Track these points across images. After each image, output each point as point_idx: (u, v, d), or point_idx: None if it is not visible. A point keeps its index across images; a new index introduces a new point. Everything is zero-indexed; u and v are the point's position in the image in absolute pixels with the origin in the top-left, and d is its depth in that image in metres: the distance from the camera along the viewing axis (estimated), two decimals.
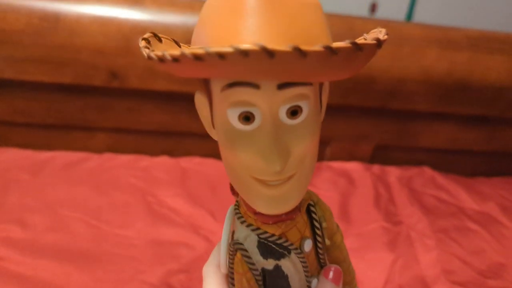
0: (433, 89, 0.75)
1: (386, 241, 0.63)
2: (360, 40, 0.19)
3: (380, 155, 0.85)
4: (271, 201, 0.23)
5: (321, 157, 0.83)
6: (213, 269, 0.28)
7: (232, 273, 0.27)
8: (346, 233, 0.65)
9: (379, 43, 0.19)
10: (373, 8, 0.82)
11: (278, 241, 0.25)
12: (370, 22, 0.74)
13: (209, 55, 0.17)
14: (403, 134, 0.83)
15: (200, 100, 0.26)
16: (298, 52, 0.17)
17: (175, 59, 0.18)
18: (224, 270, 0.27)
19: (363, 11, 0.82)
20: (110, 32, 0.66)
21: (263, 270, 0.26)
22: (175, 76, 0.69)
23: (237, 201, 0.28)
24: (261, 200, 0.23)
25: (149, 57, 0.20)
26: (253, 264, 0.25)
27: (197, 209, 0.65)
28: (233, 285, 0.27)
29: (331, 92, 0.30)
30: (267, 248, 0.26)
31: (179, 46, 0.27)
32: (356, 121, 0.81)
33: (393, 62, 0.72)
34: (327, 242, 0.28)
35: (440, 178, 0.81)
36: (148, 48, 0.21)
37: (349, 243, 0.62)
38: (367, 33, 0.24)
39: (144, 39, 0.23)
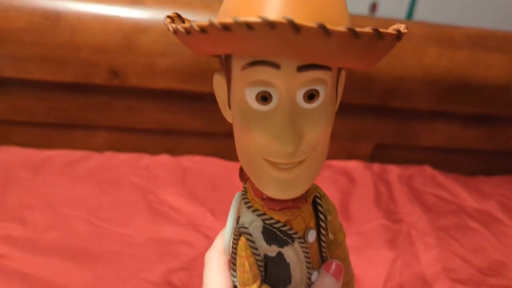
0: (433, 87, 0.75)
1: (386, 239, 0.63)
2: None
3: (380, 154, 0.85)
4: (280, 185, 0.24)
5: None
6: (215, 255, 0.29)
7: (234, 258, 0.27)
8: (347, 231, 0.65)
9: (399, 34, 0.19)
10: (373, 7, 0.82)
11: (283, 228, 0.26)
12: (370, 21, 0.75)
13: (237, 24, 0.17)
14: (403, 133, 0.83)
15: (218, 81, 0.26)
16: (323, 30, 0.17)
17: (203, 30, 0.18)
18: (227, 255, 0.28)
19: (363, 10, 0.82)
20: (111, 31, 0.66)
21: (266, 256, 0.26)
22: (175, 74, 0.69)
23: (244, 187, 0.28)
24: (271, 183, 0.24)
25: (175, 31, 0.20)
26: (256, 249, 0.26)
27: (198, 208, 0.65)
28: (234, 270, 0.27)
29: None
30: (271, 235, 0.26)
31: None
32: (356, 120, 0.81)
33: (393, 60, 0.72)
34: (331, 236, 0.29)
35: (440, 177, 0.81)
36: (174, 23, 0.22)
37: (350, 241, 0.62)
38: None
39: (168, 17, 0.23)
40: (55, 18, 0.65)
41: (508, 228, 0.69)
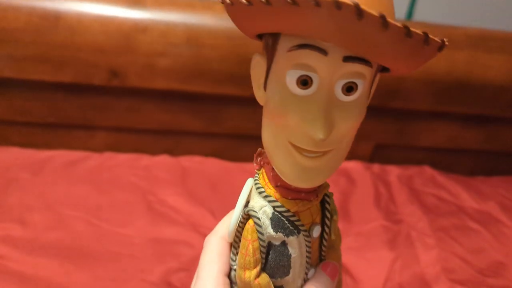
0: (433, 88, 0.75)
1: (386, 240, 0.63)
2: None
3: (380, 154, 0.85)
4: (302, 172, 0.24)
5: None
6: (215, 239, 0.29)
7: (237, 242, 0.27)
8: (347, 232, 0.66)
9: (442, 44, 0.20)
10: None
11: (292, 218, 0.26)
12: None
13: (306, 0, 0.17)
14: (403, 133, 0.83)
15: (257, 61, 0.26)
16: (382, 21, 0.17)
17: (268, 2, 0.18)
18: (230, 237, 0.28)
19: None
20: (111, 31, 0.66)
21: (269, 244, 0.26)
22: (175, 75, 0.69)
23: (257, 174, 0.28)
24: (293, 170, 0.24)
25: (233, 2, 0.20)
26: (262, 234, 0.26)
27: (197, 208, 0.65)
28: (234, 254, 0.28)
29: None
30: (279, 222, 0.26)
31: None
32: None
33: None
34: (333, 236, 0.29)
35: (440, 177, 0.81)
36: None
37: (349, 242, 0.62)
38: None
39: None
40: (54, 18, 0.65)
41: (508, 229, 0.69)
